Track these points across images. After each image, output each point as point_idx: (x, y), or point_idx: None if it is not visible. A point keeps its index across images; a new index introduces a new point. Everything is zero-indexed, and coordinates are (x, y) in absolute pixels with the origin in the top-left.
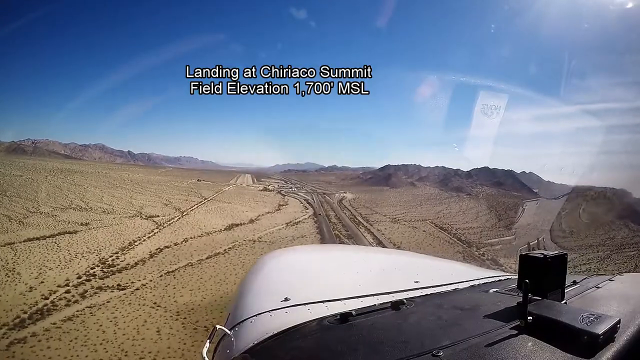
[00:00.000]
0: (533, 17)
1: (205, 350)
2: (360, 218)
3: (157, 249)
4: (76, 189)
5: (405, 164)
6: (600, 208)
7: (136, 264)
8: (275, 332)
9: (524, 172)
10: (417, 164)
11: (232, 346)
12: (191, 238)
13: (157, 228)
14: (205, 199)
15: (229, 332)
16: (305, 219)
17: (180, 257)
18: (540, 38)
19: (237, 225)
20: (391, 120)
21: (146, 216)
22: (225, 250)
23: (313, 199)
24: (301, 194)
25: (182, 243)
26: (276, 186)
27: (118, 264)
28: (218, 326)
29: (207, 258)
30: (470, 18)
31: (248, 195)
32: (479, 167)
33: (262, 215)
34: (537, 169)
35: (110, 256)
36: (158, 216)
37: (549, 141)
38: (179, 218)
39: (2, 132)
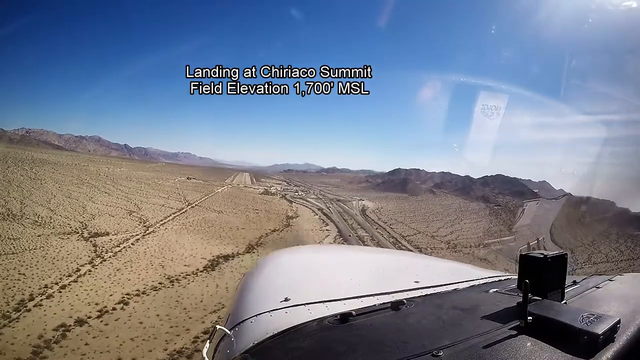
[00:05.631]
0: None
1: (205, 350)
2: (406, 242)
3: (59, 327)
4: (28, 185)
5: (417, 168)
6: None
7: None
8: (275, 332)
9: (544, 181)
10: (422, 169)
11: (232, 346)
12: (138, 294)
13: (90, 262)
14: (189, 204)
15: (229, 332)
16: (331, 243)
17: None
18: (554, 40)
19: (227, 257)
20: (393, 123)
21: (89, 234)
22: (198, 336)
23: (329, 209)
24: (311, 200)
25: (113, 310)
26: (279, 188)
27: None
28: (218, 326)
29: None
30: (475, 18)
31: (246, 199)
32: (490, 174)
33: (266, 235)
34: (547, 177)
35: None
36: (108, 234)
37: (559, 148)
38: (138, 239)
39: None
